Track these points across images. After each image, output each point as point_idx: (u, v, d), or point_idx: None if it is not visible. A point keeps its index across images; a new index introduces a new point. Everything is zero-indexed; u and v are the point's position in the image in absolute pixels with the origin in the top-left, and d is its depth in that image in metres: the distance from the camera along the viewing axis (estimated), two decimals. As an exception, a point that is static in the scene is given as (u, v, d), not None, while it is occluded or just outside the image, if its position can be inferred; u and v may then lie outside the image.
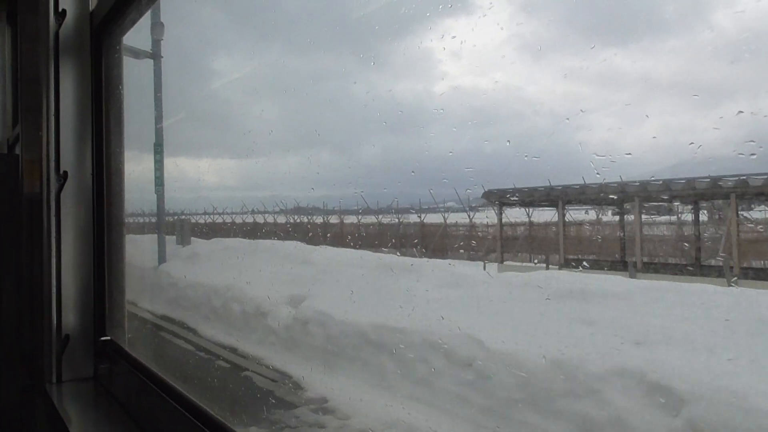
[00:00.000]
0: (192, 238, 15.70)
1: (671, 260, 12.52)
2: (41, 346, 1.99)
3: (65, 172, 1.93)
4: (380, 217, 19.21)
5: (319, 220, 21.19)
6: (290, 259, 10.15)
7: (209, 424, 1.27)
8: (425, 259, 11.06)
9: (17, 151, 2.65)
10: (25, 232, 2.28)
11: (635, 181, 8.31)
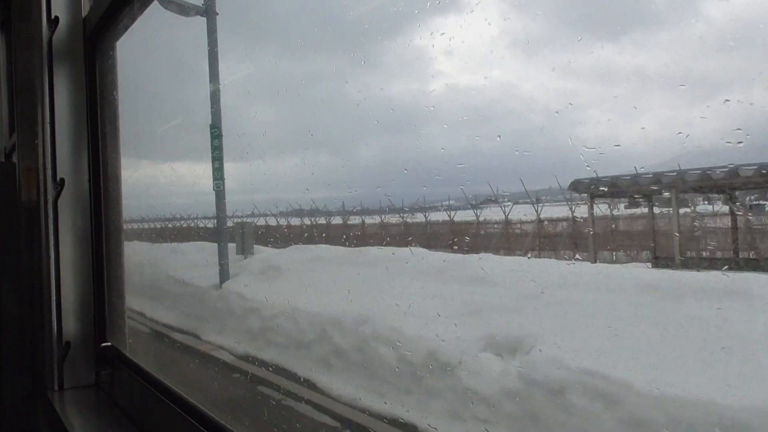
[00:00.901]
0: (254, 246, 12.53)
1: None
2: (42, 353, 1.99)
3: (62, 180, 1.93)
4: (405, 216, 18.72)
5: (331, 221, 20.90)
6: (441, 274, 7.03)
7: (212, 428, 1.27)
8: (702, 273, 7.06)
9: (14, 159, 2.65)
10: (24, 240, 2.28)
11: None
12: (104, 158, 2.03)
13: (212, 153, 9.53)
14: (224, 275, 9.71)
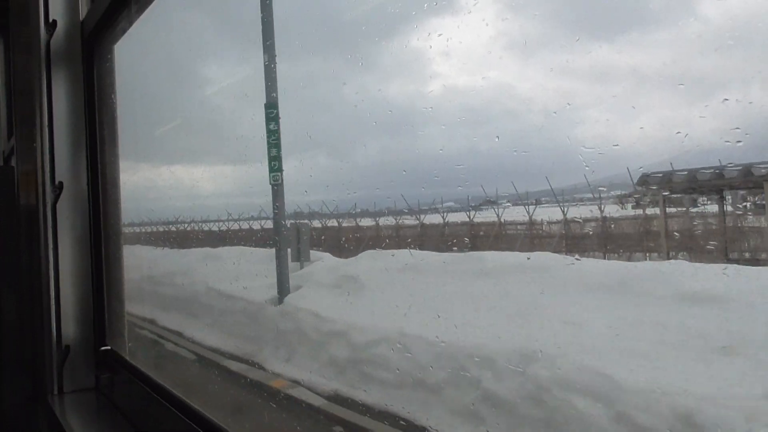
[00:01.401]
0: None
1: None
2: (42, 357, 1.99)
3: (61, 183, 1.92)
4: (422, 217, 18.23)
5: (341, 223, 20.63)
6: (624, 288, 5.29)
7: (213, 431, 1.27)
8: None
9: (13, 163, 2.64)
10: (23, 243, 2.28)
11: None
12: (103, 161, 2.03)
13: (268, 139, 7.86)
14: (283, 287, 7.98)
